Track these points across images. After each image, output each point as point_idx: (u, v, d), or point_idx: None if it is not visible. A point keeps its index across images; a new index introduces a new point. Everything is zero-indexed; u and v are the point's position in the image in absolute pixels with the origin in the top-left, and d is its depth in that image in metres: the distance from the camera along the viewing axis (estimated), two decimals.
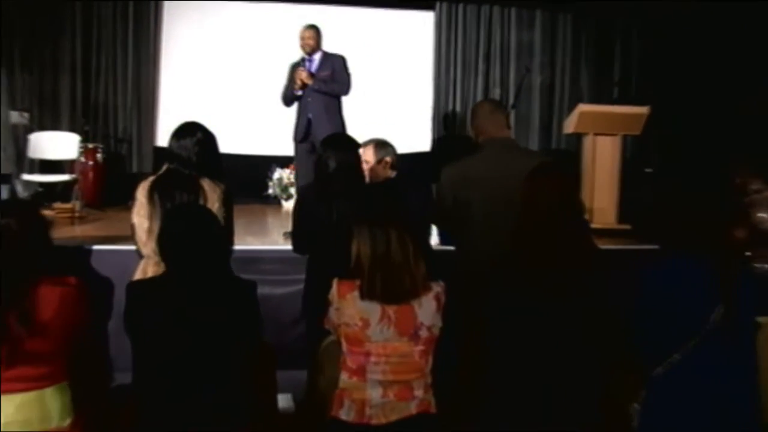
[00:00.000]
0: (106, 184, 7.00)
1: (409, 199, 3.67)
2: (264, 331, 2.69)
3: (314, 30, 6.00)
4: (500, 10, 8.36)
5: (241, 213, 6.44)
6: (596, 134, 6.04)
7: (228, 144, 7.82)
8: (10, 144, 7.42)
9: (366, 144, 4.00)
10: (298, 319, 3.72)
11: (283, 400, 3.58)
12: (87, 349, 2.65)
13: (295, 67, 6.01)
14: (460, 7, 8.31)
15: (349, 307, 2.55)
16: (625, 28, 8.44)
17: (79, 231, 5.65)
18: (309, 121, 5.86)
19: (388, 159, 4.17)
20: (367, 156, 3.92)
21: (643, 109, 6.12)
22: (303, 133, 5.87)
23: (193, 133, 3.33)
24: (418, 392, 2.59)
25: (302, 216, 3.49)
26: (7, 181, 7.08)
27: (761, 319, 2.43)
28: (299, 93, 5.90)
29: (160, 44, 7.95)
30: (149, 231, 3.22)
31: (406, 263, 2.54)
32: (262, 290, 2.68)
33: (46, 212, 5.77)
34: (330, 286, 2.65)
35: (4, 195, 6.71)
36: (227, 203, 3.27)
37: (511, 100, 7.80)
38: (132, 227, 3.30)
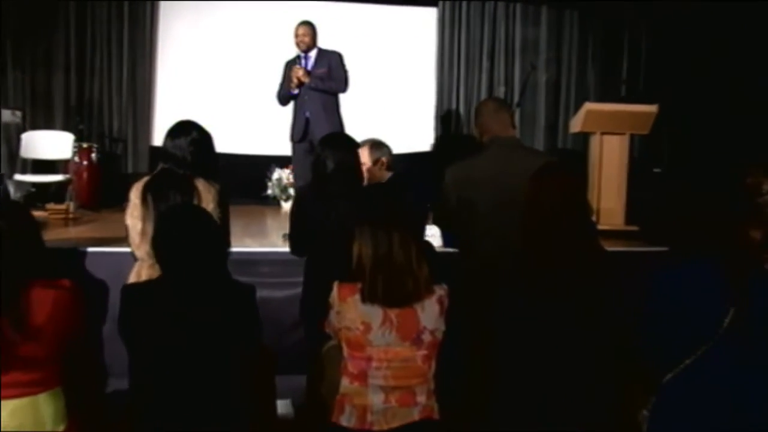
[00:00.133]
0: (100, 185, 7.00)
1: (405, 200, 3.67)
2: (263, 336, 2.69)
3: (309, 27, 6.00)
4: (505, 5, 8.35)
5: (239, 214, 6.48)
6: (603, 133, 6.02)
7: (226, 144, 7.83)
8: (2, 143, 7.42)
9: (361, 145, 4.01)
10: (297, 322, 3.72)
11: (283, 406, 3.58)
12: (81, 354, 2.65)
13: (290, 66, 6.01)
14: (464, 3, 8.30)
15: (350, 311, 2.55)
16: (634, 24, 8.43)
17: (74, 233, 5.64)
18: (307, 120, 5.87)
19: (384, 159, 4.17)
20: (363, 157, 3.92)
21: (652, 108, 6.11)
22: (301, 133, 5.87)
23: (188, 132, 3.34)
24: (421, 398, 2.58)
25: (300, 217, 3.50)
26: None
27: None
28: (295, 92, 5.91)
29: (157, 42, 7.96)
30: (142, 233, 3.23)
31: (408, 265, 2.54)
32: (261, 293, 2.68)
33: (40, 213, 5.81)
34: (329, 289, 2.65)
35: None
36: (223, 204, 3.27)
37: (516, 99, 7.79)
38: (126, 229, 3.30)
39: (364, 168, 3.82)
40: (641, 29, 8.42)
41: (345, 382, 2.59)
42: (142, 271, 3.29)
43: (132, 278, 3.31)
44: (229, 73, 7.86)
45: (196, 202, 3.18)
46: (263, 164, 7.47)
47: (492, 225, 3.22)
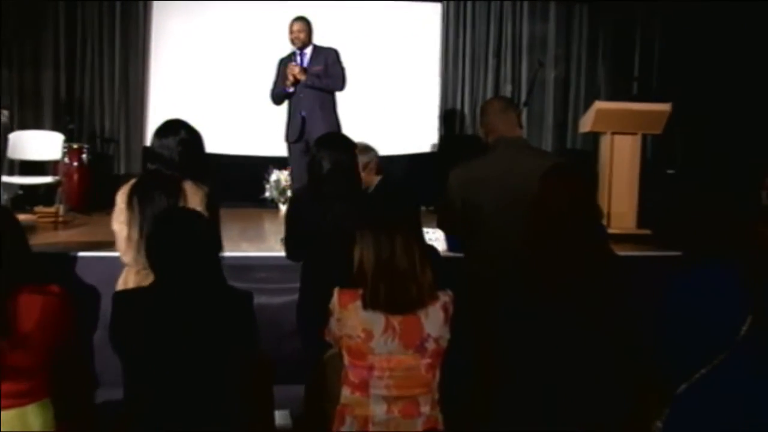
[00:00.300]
0: (91, 187, 7.01)
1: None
2: (260, 344, 2.69)
3: (304, 22, 6.01)
4: (512, 1, 8.35)
5: (235, 217, 6.50)
6: (614, 133, 6.02)
7: (222, 145, 7.88)
8: None
9: None
10: (296, 330, 3.72)
11: (281, 417, 3.58)
12: (71, 363, 2.65)
13: (284, 63, 6.01)
14: None
15: (351, 318, 2.55)
16: (646, 19, 8.42)
17: (63, 237, 5.65)
18: (303, 120, 5.87)
19: (372, 164, 4.16)
20: None
21: (665, 107, 6.11)
22: (297, 133, 5.88)
23: (176, 132, 3.35)
24: (425, 408, 2.58)
25: (295, 220, 3.51)
26: None
27: None
28: (291, 90, 5.91)
29: (150, 38, 7.98)
30: (128, 239, 3.25)
31: (411, 270, 2.53)
32: (259, 300, 2.68)
33: (28, 217, 5.82)
34: (327, 295, 2.65)
35: None
36: (211, 207, 3.27)
37: (523, 97, 7.79)
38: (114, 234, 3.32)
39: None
40: (654, 24, 8.41)
41: (346, 392, 2.59)
42: (129, 278, 3.31)
43: (119, 285, 3.32)
44: (224, 71, 7.86)
45: (182, 204, 3.18)
46: (260, 166, 7.47)
47: (498, 228, 3.22)
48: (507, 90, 8.27)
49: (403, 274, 2.52)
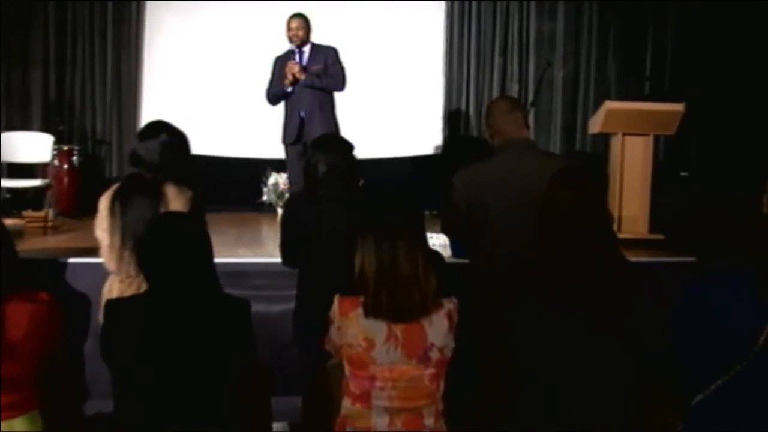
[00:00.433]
0: (82, 191, 7.00)
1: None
2: (257, 354, 2.69)
3: (303, 19, 6.01)
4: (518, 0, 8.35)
5: (232, 222, 6.51)
6: (625, 134, 6.02)
7: (218, 146, 7.88)
8: None
9: None
10: (294, 339, 3.72)
11: (279, 429, 3.58)
12: (60, 374, 2.65)
13: (280, 61, 6.01)
14: None
15: (352, 326, 2.54)
16: (658, 16, 8.41)
17: (53, 242, 5.65)
18: (301, 121, 5.87)
19: None
20: None
21: (678, 107, 6.11)
22: (295, 135, 5.88)
23: (156, 134, 3.38)
24: (429, 420, 2.57)
25: (291, 224, 3.52)
26: None
27: None
28: (289, 89, 5.91)
29: (143, 36, 7.98)
30: (110, 246, 3.27)
31: (414, 277, 2.53)
32: (256, 307, 2.68)
33: (16, 221, 5.82)
34: (324, 302, 2.65)
35: None
36: (196, 211, 3.27)
37: (531, 97, 7.80)
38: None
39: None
40: (667, 21, 8.40)
41: (346, 404, 2.58)
42: (114, 286, 3.34)
43: (104, 293, 3.35)
44: (220, 71, 7.87)
45: (163, 209, 3.20)
46: (258, 168, 7.47)
47: (504, 233, 3.23)
48: (513, 90, 8.27)
49: (406, 281, 2.52)
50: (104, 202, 3.36)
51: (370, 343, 2.52)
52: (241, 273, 4.43)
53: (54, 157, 6.91)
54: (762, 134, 7.33)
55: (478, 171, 3.43)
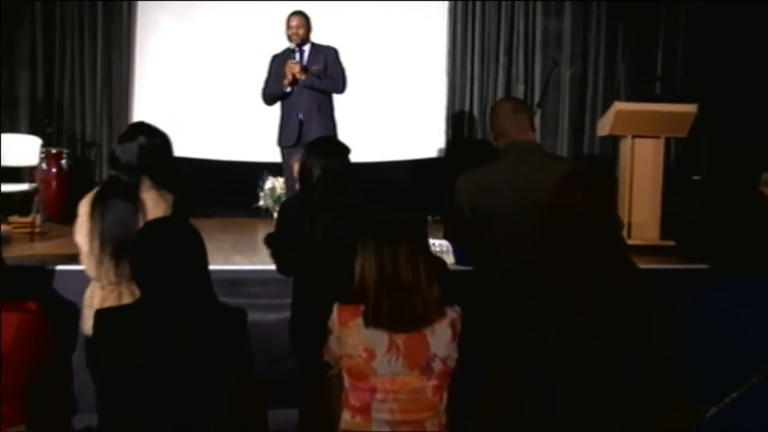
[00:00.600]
0: (71, 195, 6.98)
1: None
2: (253, 365, 2.69)
3: (303, 18, 6.02)
4: (524, 0, 8.35)
5: (227, 228, 6.51)
6: (635, 136, 6.03)
7: (213, 149, 7.88)
8: None
9: (298, 156, 4.03)
10: (291, 349, 3.72)
11: None
12: (48, 386, 2.64)
13: (278, 60, 6.01)
14: None
15: (352, 336, 2.54)
16: (669, 13, 8.41)
17: (40, 249, 5.66)
18: (300, 123, 5.87)
19: None
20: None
21: (690, 108, 6.11)
22: (294, 137, 5.88)
23: (134, 136, 3.41)
24: None
25: (285, 230, 3.52)
26: None
27: None
28: (288, 89, 5.91)
29: (135, 37, 7.99)
30: (90, 252, 3.29)
31: (416, 285, 2.53)
32: (252, 316, 2.68)
33: (2, 227, 5.81)
34: (321, 311, 2.65)
35: None
36: (178, 216, 3.29)
37: (537, 98, 7.80)
38: None
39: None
40: (678, 19, 8.40)
41: (346, 416, 2.58)
42: (95, 293, 3.37)
43: (86, 300, 3.38)
44: (215, 71, 7.87)
45: (141, 214, 3.22)
46: (254, 172, 7.48)
47: (509, 238, 3.23)
48: (519, 90, 8.27)
49: (408, 289, 2.52)
50: (84, 207, 3.39)
51: (371, 354, 2.52)
52: (237, 281, 4.44)
53: (42, 160, 6.91)
54: None
55: (482, 175, 3.43)
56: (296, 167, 3.94)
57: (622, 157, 6.11)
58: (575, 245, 2.48)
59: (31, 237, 6.03)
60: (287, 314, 3.68)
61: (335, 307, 2.61)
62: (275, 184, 7.39)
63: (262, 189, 7.47)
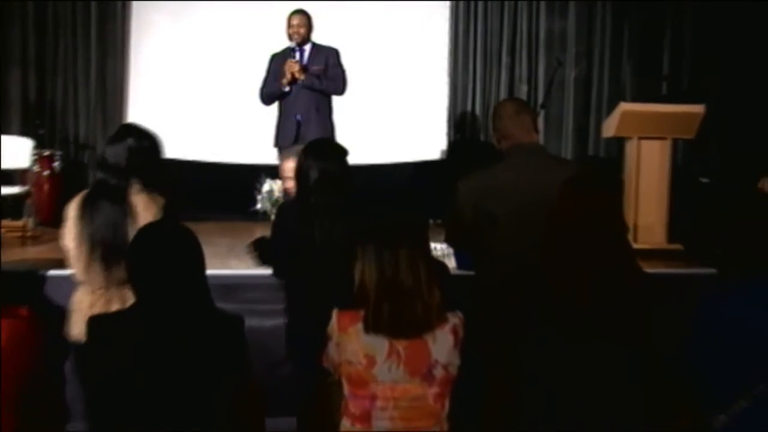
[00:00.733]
0: (64, 198, 6.95)
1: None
2: (251, 372, 2.69)
3: (305, 16, 6.02)
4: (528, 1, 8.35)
5: (224, 231, 6.50)
6: (641, 138, 6.02)
7: (209, 151, 7.87)
8: None
9: (287, 156, 4.03)
10: (289, 356, 3.73)
11: None
12: (40, 393, 2.64)
13: (277, 59, 6.01)
14: None
15: (352, 342, 2.55)
16: (676, 12, 8.40)
17: (32, 253, 5.66)
18: (298, 124, 5.87)
19: None
20: (289, 170, 3.95)
21: (698, 108, 6.11)
22: (292, 138, 5.88)
23: (123, 138, 3.42)
24: None
25: (281, 233, 3.53)
26: None
27: None
28: (286, 89, 5.91)
29: (129, 37, 7.98)
30: (79, 254, 3.30)
31: (417, 290, 2.53)
32: (249, 322, 2.68)
33: None
34: (320, 316, 2.65)
35: None
36: (169, 220, 3.30)
37: (540, 99, 7.80)
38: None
39: (293, 184, 3.85)
40: (685, 17, 8.39)
41: (346, 424, 2.58)
42: (84, 297, 3.38)
43: (73, 305, 3.39)
44: (211, 72, 7.86)
45: (130, 218, 3.23)
46: (251, 175, 7.47)
47: (512, 242, 3.23)
48: (522, 91, 8.26)
49: (409, 294, 2.52)
50: (72, 210, 3.41)
51: (371, 360, 2.52)
52: (234, 286, 4.44)
53: (34, 162, 6.90)
54: None
55: (484, 177, 3.43)
56: (287, 166, 3.95)
57: (628, 159, 6.10)
58: (579, 249, 2.48)
59: (23, 241, 6.03)
60: (285, 320, 3.68)
61: (334, 313, 2.61)
62: (273, 186, 7.38)
63: (259, 192, 7.46)
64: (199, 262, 2.53)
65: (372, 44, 7.82)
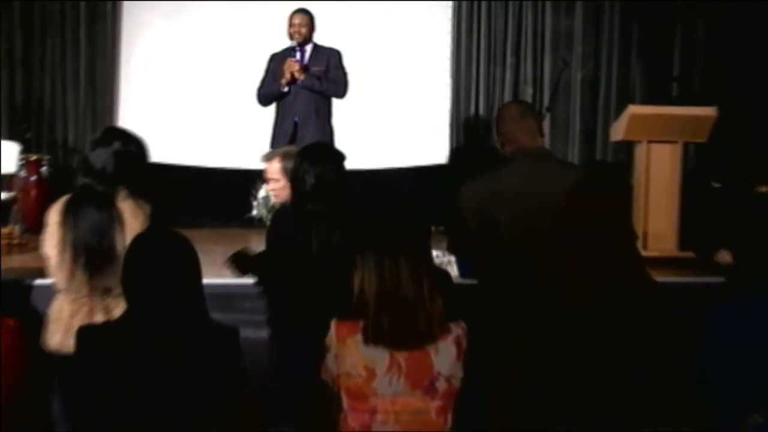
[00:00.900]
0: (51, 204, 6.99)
1: None
2: (248, 384, 2.69)
3: (308, 16, 6.03)
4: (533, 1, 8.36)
5: (219, 239, 6.50)
6: (651, 142, 6.03)
7: (203, 156, 7.87)
8: None
9: (269, 157, 4.03)
10: (285, 368, 3.72)
11: None
12: (25, 408, 2.64)
13: (277, 59, 6.01)
14: None
15: (351, 354, 2.54)
16: (688, 11, 8.40)
17: (18, 261, 5.65)
18: (295, 125, 5.87)
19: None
20: (273, 173, 3.95)
21: (709, 111, 6.12)
22: (288, 140, 5.87)
23: (108, 142, 3.42)
24: None
25: (276, 240, 3.53)
26: None
27: None
28: (285, 89, 5.91)
29: (120, 39, 8.00)
30: (61, 261, 3.30)
31: (419, 299, 2.53)
32: (244, 333, 2.68)
33: None
34: (317, 327, 2.65)
35: None
36: (156, 227, 3.30)
37: (546, 101, 7.81)
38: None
39: (278, 186, 3.85)
40: (696, 17, 8.39)
41: None
42: (64, 306, 3.37)
43: (52, 314, 3.40)
44: (206, 74, 7.88)
45: (117, 224, 3.23)
46: (247, 180, 7.47)
47: (517, 249, 3.23)
48: (527, 93, 8.27)
49: (410, 304, 2.52)
50: (53, 216, 3.40)
51: (371, 373, 2.52)
52: (229, 295, 4.44)
53: (20, 167, 6.90)
54: None
55: (488, 183, 3.43)
56: (271, 168, 3.94)
57: (637, 164, 6.10)
58: (586, 256, 2.48)
59: (9, 249, 6.02)
60: (282, 331, 3.68)
61: (333, 323, 2.61)
62: (269, 192, 7.37)
63: (255, 198, 7.46)
64: (195, 272, 2.53)
65: (372, 45, 7.83)
